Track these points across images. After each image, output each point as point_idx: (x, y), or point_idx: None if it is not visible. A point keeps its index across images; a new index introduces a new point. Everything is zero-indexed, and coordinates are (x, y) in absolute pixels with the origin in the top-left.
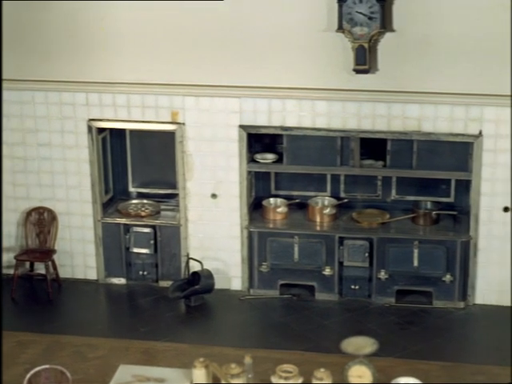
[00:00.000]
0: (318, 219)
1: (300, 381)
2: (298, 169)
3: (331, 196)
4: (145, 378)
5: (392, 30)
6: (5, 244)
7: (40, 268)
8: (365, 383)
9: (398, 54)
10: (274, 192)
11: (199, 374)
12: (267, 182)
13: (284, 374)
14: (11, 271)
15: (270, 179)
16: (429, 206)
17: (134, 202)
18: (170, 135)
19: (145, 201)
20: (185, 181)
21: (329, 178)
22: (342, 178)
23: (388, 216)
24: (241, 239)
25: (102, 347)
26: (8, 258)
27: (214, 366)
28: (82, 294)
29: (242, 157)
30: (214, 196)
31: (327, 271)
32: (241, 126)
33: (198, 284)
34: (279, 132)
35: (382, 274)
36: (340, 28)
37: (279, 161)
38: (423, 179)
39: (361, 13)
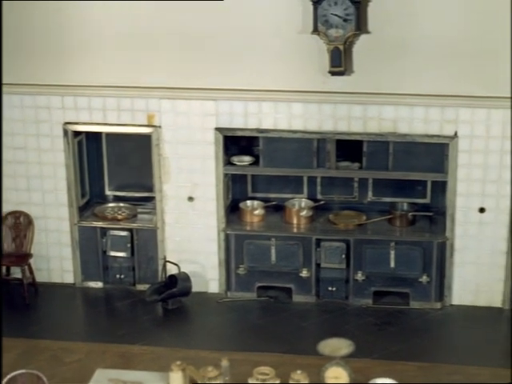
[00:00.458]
0: (294, 221)
1: (277, 382)
2: (274, 171)
3: (308, 198)
4: (121, 381)
5: (367, 32)
6: None
7: (16, 272)
8: None
9: (373, 56)
10: (250, 194)
11: (176, 377)
12: (244, 185)
13: (261, 377)
14: None
15: (246, 182)
16: (405, 207)
17: (111, 205)
18: (146, 138)
19: (121, 204)
20: (161, 184)
21: (305, 180)
22: (319, 180)
23: (364, 217)
24: (218, 242)
25: (79, 351)
26: None
27: (191, 369)
28: (59, 298)
29: (218, 159)
30: (190, 199)
31: (304, 273)
32: (217, 129)
33: (175, 287)
34: (255, 134)
35: (359, 276)
36: (315, 30)
37: (256, 163)
38: (399, 180)
39: (336, 15)
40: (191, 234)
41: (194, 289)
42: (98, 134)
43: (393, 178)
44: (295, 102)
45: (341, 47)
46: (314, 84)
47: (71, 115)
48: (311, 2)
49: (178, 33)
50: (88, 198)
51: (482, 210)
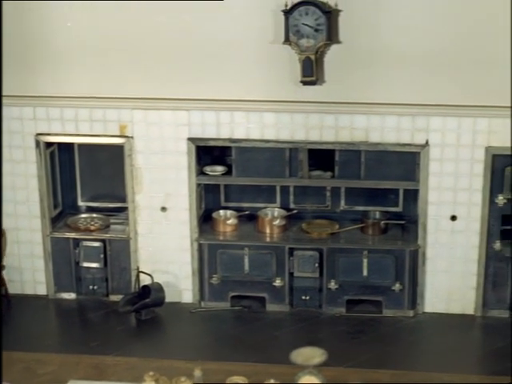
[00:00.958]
0: (267, 230)
1: None
2: (247, 180)
3: (281, 207)
4: None
5: (338, 42)
6: None
7: None
8: None
9: (344, 66)
10: (223, 204)
11: None
12: (217, 195)
13: None
14: None
15: (219, 191)
16: (377, 215)
17: (84, 216)
18: (119, 149)
19: (94, 215)
20: (134, 194)
21: (278, 189)
22: (292, 189)
23: (337, 226)
24: (191, 252)
25: (52, 363)
26: None
27: (164, 379)
28: (32, 309)
29: (191, 169)
30: (163, 209)
31: (278, 282)
32: (189, 139)
33: (149, 297)
34: (228, 144)
35: (332, 284)
36: (287, 40)
37: (228, 173)
38: (371, 189)
39: (307, 25)
40: (164, 244)
41: (168, 299)
42: (70, 145)
43: (365, 187)
44: (267, 111)
45: (312, 57)
46: (285, 94)
47: (43, 126)
48: (282, 13)
49: (150, 43)
50: (61, 209)
51: (453, 218)
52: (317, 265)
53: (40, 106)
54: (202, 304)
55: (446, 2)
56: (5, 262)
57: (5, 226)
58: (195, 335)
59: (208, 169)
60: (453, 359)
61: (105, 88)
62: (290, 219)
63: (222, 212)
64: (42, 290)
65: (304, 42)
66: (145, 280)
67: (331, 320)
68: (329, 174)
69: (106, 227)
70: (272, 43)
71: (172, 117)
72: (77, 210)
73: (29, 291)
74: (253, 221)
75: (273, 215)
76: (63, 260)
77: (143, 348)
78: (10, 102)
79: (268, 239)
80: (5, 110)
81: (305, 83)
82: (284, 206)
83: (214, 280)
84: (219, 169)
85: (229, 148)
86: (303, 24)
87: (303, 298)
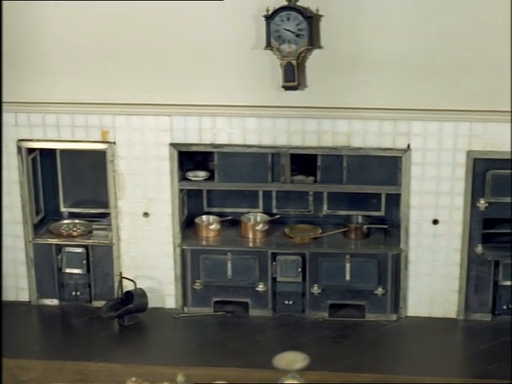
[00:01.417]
0: (250, 235)
1: None
2: (229, 186)
3: (263, 212)
4: None
5: (320, 47)
6: None
7: None
8: None
9: (326, 71)
10: (206, 209)
11: None
12: (199, 200)
13: None
14: None
15: (202, 197)
16: (360, 220)
17: (66, 221)
18: (101, 154)
19: (76, 221)
20: (116, 200)
21: (261, 194)
22: (274, 194)
23: (320, 231)
24: (174, 257)
25: (36, 369)
26: None
27: None
28: (14, 315)
29: (173, 175)
30: (146, 214)
31: (260, 287)
32: (172, 144)
33: (132, 303)
34: (210, 149)
35: (315, 289)
36: (268, 45)
37: (211, 178)
38: (354, 194)
39: (288, 30)
40: (147, 250)
41: (151, 304)
42: (52, 151)
43: (347, 192)
44: (249, 116)
45: (294, 62)
46: (267, 99)
47: (25, 132)
48: (264, 18)
49: (132, 49)
50: (43, 215)
51: (435, 222)
52: (300, 269)
53: (21, 112)
54: (185, 309)
55: (426, 7)
56: None
57: None
58: (178, 341)
59: (190, 174)
60: (435, 362)
61: (87, 94)
62: (272, 224)
63: (204, 217)
64: (24, 297)
65: (286, 47)
66: (128, 286)
67: (314, 324)
68: (311, 178)
69: (88, 233)
70: (253, 48)
71: (154, 122)
72: (59, 216)
73: (11, 297)
74: (236, 226)
75: (255, 220)
76: (46, 266)
77: (126, 354)
78: None
79: (251, 244)
80: None
81: (287, 88)
82: (267, 211)
83: (197, 285)
84: (202, 174)
85: (211, 153)
86: (285, 29)
87: (286, 302)
